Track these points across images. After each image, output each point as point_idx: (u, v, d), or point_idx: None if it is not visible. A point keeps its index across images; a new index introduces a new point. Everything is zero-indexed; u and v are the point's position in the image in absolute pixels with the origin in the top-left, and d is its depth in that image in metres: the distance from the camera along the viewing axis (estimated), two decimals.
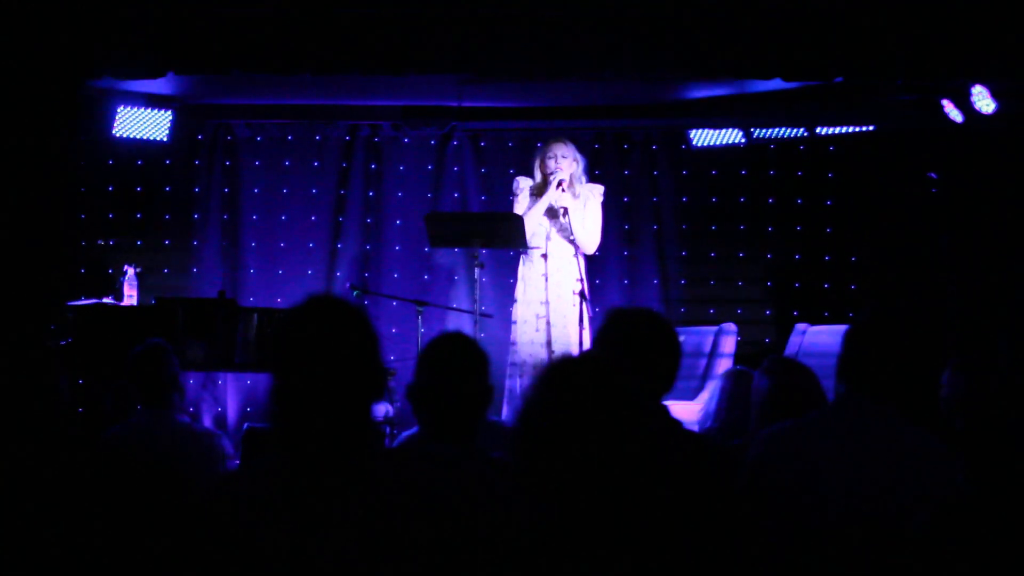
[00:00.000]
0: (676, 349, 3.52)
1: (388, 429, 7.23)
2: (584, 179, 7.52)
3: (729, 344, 8.23)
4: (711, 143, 9.20)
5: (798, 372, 4.29)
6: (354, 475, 2.34)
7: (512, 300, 7.60)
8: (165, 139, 8.66)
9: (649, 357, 3.41)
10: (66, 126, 7.28)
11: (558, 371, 2.37)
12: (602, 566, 2.21)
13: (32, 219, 6.91)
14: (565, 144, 7.47)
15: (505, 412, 7.25)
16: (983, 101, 7.42)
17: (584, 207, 7.41)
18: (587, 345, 7.17)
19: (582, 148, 7.96)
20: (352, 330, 2.39)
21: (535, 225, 7.30)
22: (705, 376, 8.10)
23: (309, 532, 2.27)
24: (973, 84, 7.41)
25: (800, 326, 8.31)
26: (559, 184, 7.29)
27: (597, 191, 7.51)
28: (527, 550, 2.23)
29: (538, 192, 7.44)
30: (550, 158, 7.40)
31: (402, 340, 8.36)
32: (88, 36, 6.64)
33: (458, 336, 3.44)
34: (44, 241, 6.98)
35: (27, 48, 6.47)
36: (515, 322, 7.46)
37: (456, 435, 3.22)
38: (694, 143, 9.24)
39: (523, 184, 7.54)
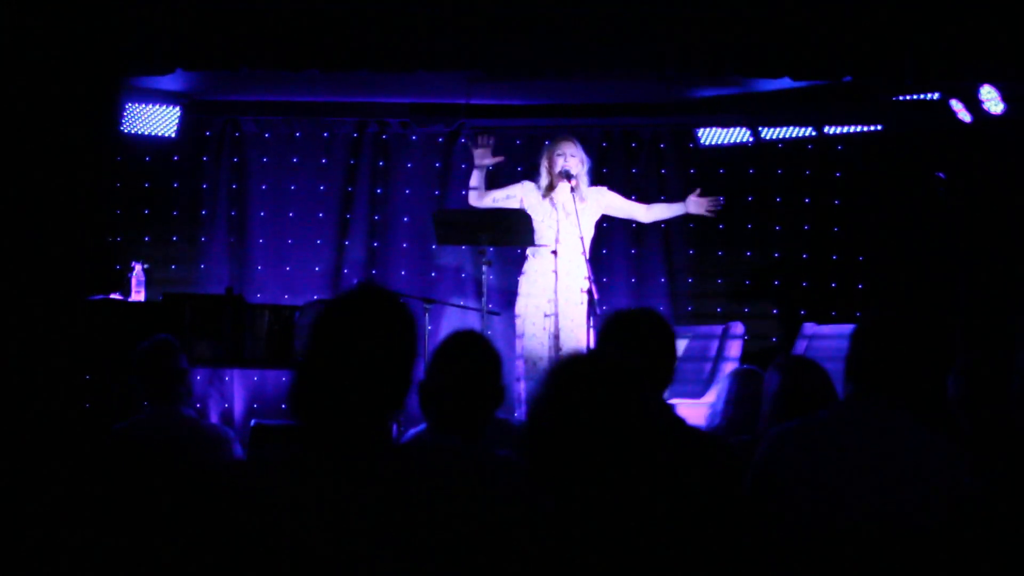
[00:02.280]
0: (671, 343, 3.54)
1: (396, 427, 7.23)
2: (588, 180, 7.53)
3: (736, 342, 8.23)
4: (719, 142, 9.19)
5: (810, 370, 4.29)
6: (368, 470, 2.33)
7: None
8: (173, 135, 8.67)
9: (646, 354, 3.42)
10: (92, 124, 7.26)
11: (565, 369, 2.37)
12: (610, 563, 2.21)
13: (53, 215, 6.88)
14: (574, 143, 7.47)
15: (513, 411, 7.24)
16: (992, 102, 7.41)
17: (607, 204, 7.50)
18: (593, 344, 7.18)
19: (590, 146, 7.96)
20: (402, 330, 2.36)
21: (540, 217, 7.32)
22: (712, 375, 8.09)
23: (320, 525, 2.26)
24: (982, 84, 7.39)
25: (807, 326, 8.29)
26: (569, 178, 7.29)
27: (602, 190, 7.58)
28: (535, 546, 2.23)
29: (546, 192, 7.44)
30: (559, 156, 7.40)
31: None
32: (100, 33, 6.64)
33: (474, 334, 3.45)
34: (62, 237, 6.96)
35: (44, 47, 6.46)
36: (519, 315, 7.44)
37: (464, 432, 3.22)
38: (702, 142, 9.23)
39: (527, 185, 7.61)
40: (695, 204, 7.69)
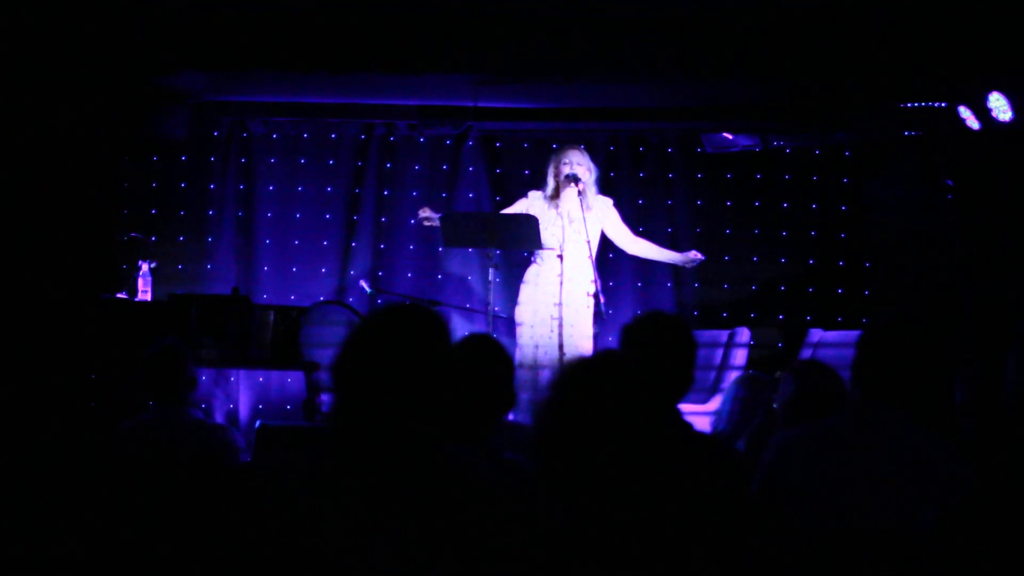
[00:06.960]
0: (692, 350, 3.54)
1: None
2: (595, 189, 7.51)
3: (741, 348, 8.22)
4: (726, 147, 9.19)
5: (824, 375, 4.28)
6: (385, 477, 2.31)
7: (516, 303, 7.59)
8: (181, 136, 8.67)
9: (669, 360, 3.43)
10: (101, 125, 7.25)
11: (572, 372, 2.37)
12: (617, 566, 2.21)
13: (61, 215, 6.88)
14: (580, 151, 7.45)
15: (514, 414, 7.22)
16: (1000, 109, 7.40)
17: (604, 216, 7.45)
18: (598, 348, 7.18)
19: (597, 150, 7.94)
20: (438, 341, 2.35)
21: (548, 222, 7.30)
22: (717, 381, 8.09)
23: (327, 530, 2.26)
24: (990, 92, 7.39)
25: (814, 333, 8.29)
26: (576, 181, 7.27)
27: (608, 202, 7.53)
28: (543, 549, 2.22)
29: (552, 198, 7.43)
30: (565, 164, 7.37)
31: None
32: (110, 35, 6.65)
33: (486, 338, 3.44)
34: (71, 236, 6.96)
35: (54, 50, 6.46)
36: (520, 323, 7.41)
37: (472, 436, 3.22)
38: (709, 147, 9.23)
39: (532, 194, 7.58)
40: (682, 258, 7.66)
